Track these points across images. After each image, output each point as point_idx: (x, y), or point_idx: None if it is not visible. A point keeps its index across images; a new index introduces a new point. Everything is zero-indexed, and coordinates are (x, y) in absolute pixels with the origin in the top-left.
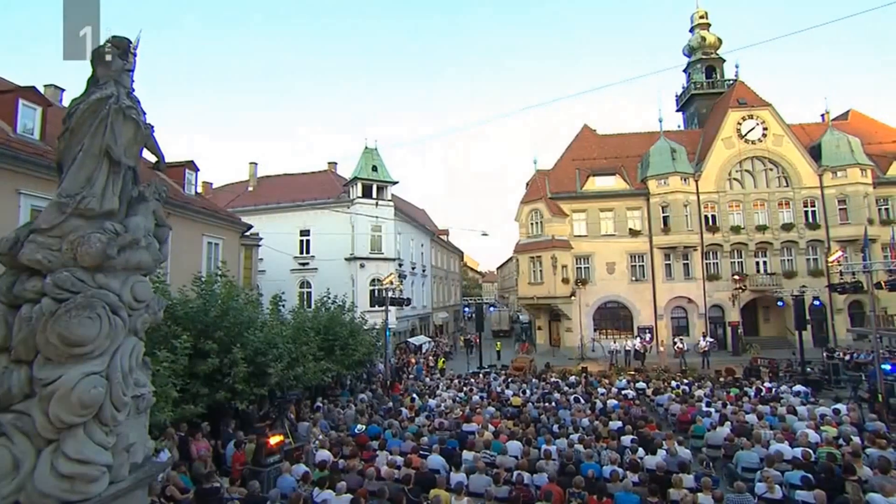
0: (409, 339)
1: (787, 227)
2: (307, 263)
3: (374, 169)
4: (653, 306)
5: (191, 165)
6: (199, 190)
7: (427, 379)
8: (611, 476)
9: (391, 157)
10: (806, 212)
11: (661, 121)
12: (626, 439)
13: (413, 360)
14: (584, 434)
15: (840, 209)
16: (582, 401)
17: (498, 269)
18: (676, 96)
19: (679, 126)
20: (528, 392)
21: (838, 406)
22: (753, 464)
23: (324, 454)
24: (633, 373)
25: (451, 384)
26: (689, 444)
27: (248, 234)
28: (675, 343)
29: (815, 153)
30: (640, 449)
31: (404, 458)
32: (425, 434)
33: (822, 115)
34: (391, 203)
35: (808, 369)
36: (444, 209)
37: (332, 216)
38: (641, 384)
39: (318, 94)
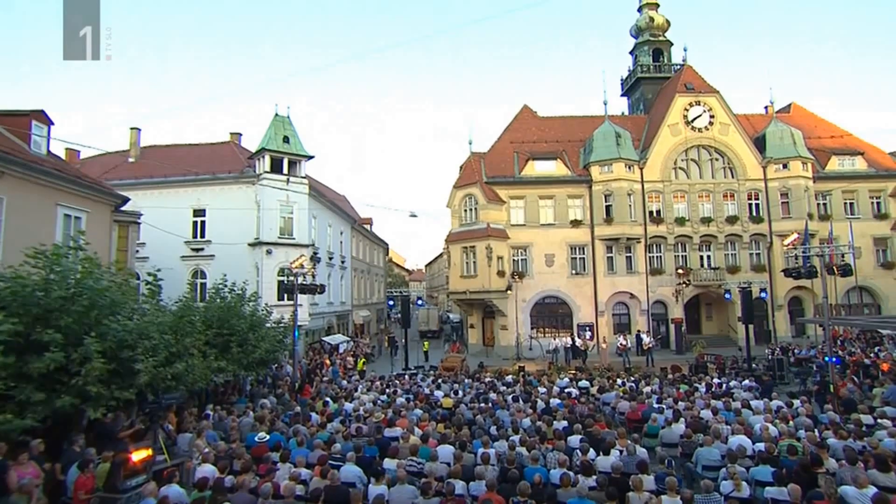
0: (324, 339)
1: (732, 220)
2: (202, 249)
3: (286, 140)
4: (593, 302)
5: (39, 116)
6: (60, 153)
7: (344, 382)
8: (561, 480)
9: (308, 136)
10: (750, 204)
11: (605, 103)
12: (574, 439)
13: (328, 362)
14: (527, 435)
15: (782, 202)
16: (521, 401)
17: (427, 266)
18: (622, 80)
19: (623, 113)
20: (460, 393)
21: (791, 399)
22: (715, 461)
23: (206, 470)
24: (573, 372)
25: (371, 386)
26: (643, 443)
27: (123, 209)
28: (618, 340)
29: (759, 144)
30: (592, 449)
31: (312, 471)
32: (339, 441)
33: (766, 107)
34: (305, 181)
35: (754, 366)
36: (369, 197)
37: (234, 194)
38: (585, 382)
39: (224, 61)
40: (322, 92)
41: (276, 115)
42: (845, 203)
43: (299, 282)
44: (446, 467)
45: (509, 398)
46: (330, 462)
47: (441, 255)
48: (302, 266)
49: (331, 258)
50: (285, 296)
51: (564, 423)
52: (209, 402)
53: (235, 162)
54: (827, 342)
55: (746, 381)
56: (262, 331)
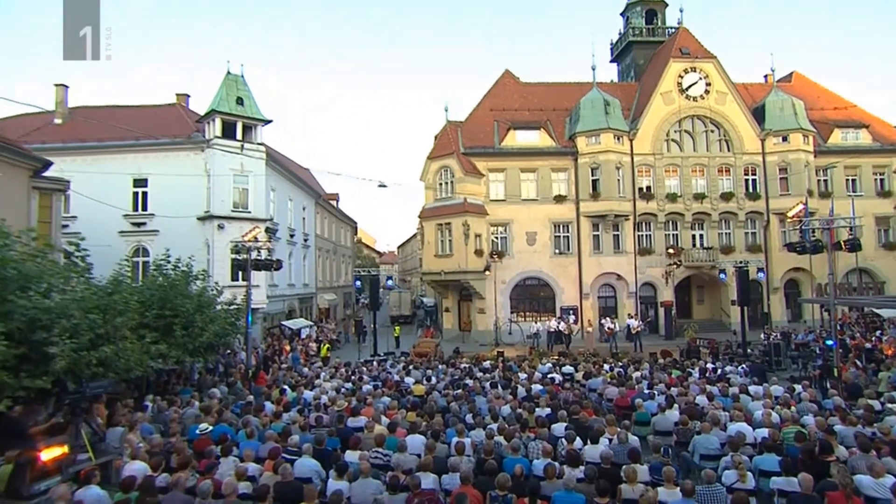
0: (283, 323)
1: (727, 197)
2: (143, 224)
3: (240, 102)
4: (578, 284)
5: None
6: None
7: (305, 369)
8: (545, 471)
9: (267, 104)
10: (747, 180)
11: (594, 69)
12: (559, 427)
13: (288, 348)
14: (506, 423)
15: (781, 178)
16: (500, 387)
17: (399, 247)
18: (611, 44)
19: (613, 80)
20: (433, 379)
21: (793, 385)
22: (714, 449)
23: (135, 468)
24: (556, 357)
25: (335, 373)
26: (634, 432)
27: (46, 174)
28: (602, 324)
29: (758, 115)
30: (578, 438)
31: (262, 465)
32: (295, 432)
33: (766, 76)
34: (262, 149)
35: (749, 350)
36: (336, 169)
37: (181, 161)
38: (569, 368)
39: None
40: (284, 58)
41: (229, 73)
42: (847, 179)
43: (253, 257)
44: (416, 459)
45: (487, 384)
46: (284, 455)
47: (415, 236)
48: (256, 239)
49: (292, 235)
50: (240, 275)
51: (548, 410)
52: (150, 392)
53: (182, 126)
54: (832, 323)
55: (742, 367)
56: (211, 312)
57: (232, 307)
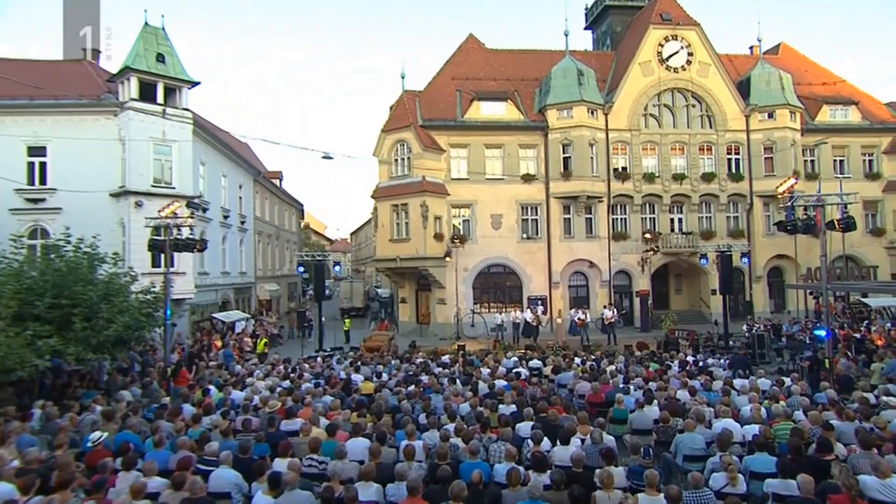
0: (215, 316)
1: (708, 178)
2: (42, 200)
3: (161, 59)
4: (547, 272)
5: None
6: None
7: (238, 367)
8: (508, 477)
9: (195, 66)
10: (729, 159)
11: (566, 34)
12: (525, 427)
13: (218, 343)
14: (465, 423)
15: (766, 158)
16: (459, 383)
17: (353, 234)
18: (586, 9)
19: (588, 49)
20: (384, 376)
21: (782, 377)
22: (699, 449)
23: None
24: (523, 350)
25: (272, 371)
26: (609, 431)
27: None
28: (574, 315)
29: (742, 89)
30: (546, 439)
31: (169, 479)
32: (216, 439)
33: (752, 47)
34: (188, 115)
35: (731, 343)
36: (274, 139)
37: (88, 127)
38: (536, 362)
39: None
40: (216, 14)
41: (146, 25)
42: (835, 160)
43: (173, 236)
44: (356, 466)
45: (445, 381)
46: (198, 466)
47: (369, 222)
48: (174, 215)
49: (226, 217)
50: (162, 259)
51: (512, 407)
52: (43, 396)
53: (90, 85)
54: (825, 310)
55: (725, 359)
56: (122, 302)
57: (149, 296)
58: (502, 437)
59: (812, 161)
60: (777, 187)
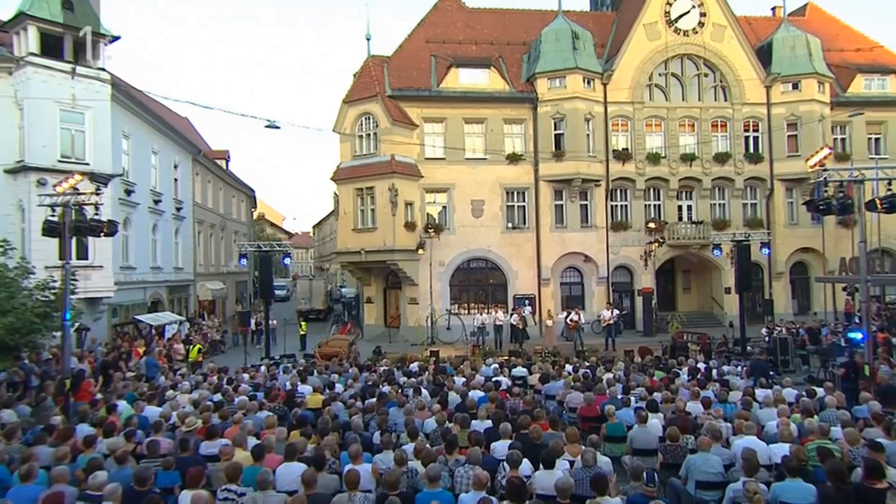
0: (139, 318)
1: (722, 159)
2: None
3: (68, 6)
4: (536, 266)
5: None
6: None
7: (162, 378)
8: None
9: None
10: (747, 138)
11: None
12: (501, 446)
13: (140, 351)
14: (429, 442)
15: (789, 136)
16: (427, 393)
17: (315, 227)
18: None
19: (584, 10)
20: (338, 387)
21: (813, 387)
22: (715, 474)
23: None
24: (506, 357)
25: (201, 382)
26: (604, 450)
27: None
28: (567, 316)
29: (763, 56)
30: (526, 461)
31: None
32: (109, 467)
33: (774, 8)
34: (106, 76)
35: (749, 348)
36: (210, 110)
37: None
38: (521, 370)
39: None
40: None
41: None
42: (870, 139)
43: (72, 218)
44: (285, 499)
45: (409, 391)
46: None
47: (333, 212)
48: (74, 190)
49: (157, 201)
50: (64, 246)
51: (488, 423)
52: None
53: None
54: (863, 306)
55: (742, 366)
56: (6, 300)
57: (49, 294)
58: (471, 459)
59: (843, 139)
60: (806, 160)
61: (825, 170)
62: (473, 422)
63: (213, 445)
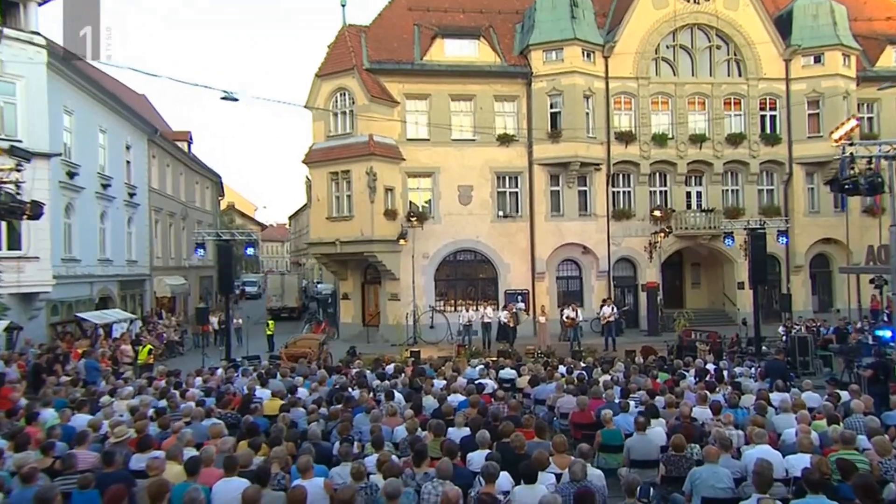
0: (82, 315)
1: (735, 140)
2: None
3: None
4: (529, 259)
5: None
6: None
7: (103, 382)
8: None
9: None
10: (763, 117)
11: None
12: (478, 458)
13: (79, 352)
14: (396, 452)
15: (810, 115)
16: (401, 398)
17: (291, 217)
18: None
19: None
20: (301, 391)
21: (836, 390)
22: (724, 489)
23: None
24: (494, 358)
25: (146, 387)
26: (597, 462)
27: None
28: (562, 313)
29: (782, 27)
30: (506, 475)
31: None
32: (14, 485)
33: None
34: (41, 41)
35: (765, 348)
36: (157, 77)
37: None
38: (509, 372)
39: None
40: None
41: None
42: None
43: None
44: None
45: (381, 395)
46: None
47: (304, 208)
48: None
49: (105, 186)
50: (1, 237)
51: (465, 431)
52: None
53: None
54: (895, 300)
55: (756, 367)
56: None
57: None
58: (440, 473)
59: (870, 119)
60: (830, 133)
61: (851, 143)
62: (450, 429)
63: (145, 459)
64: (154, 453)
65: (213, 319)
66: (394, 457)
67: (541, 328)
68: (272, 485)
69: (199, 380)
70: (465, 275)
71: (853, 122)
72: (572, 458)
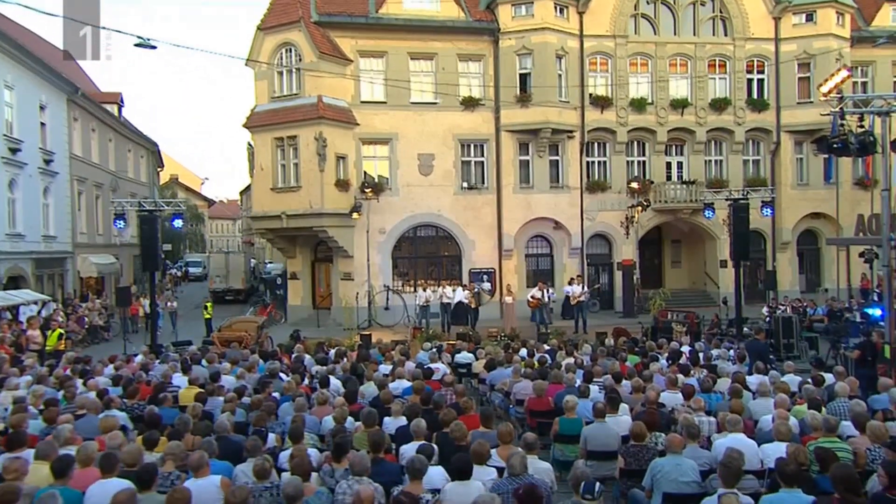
0: None
1: (720, 105)
2: None
3: None
4: (496, 235)
5: None
6: None
7: None
8: None
9: None
10: (750, 81)
11: None
12: (410, 450)
13: None
14: (321, 446)
15: (800, 78)
16: (339, 384)
17: (242, 193)
18: None
19: None
20: (228, 379)
21: (820, 372)
22: (689, 483)
23: None
24: (453, 341)
25: (45, 376)
26: (553, 454)
27: None
28: (531, 294)
29: None
30: (440, 470)
31: None
32: None
33: None
34: None
35: (746, 329)
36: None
37: None
38: (466, 356)
39: None
40: None
41: None
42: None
43: None
44: None
45: (315, 384)
46: None
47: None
48: None
49: (14, 151)
50: None
51: (402, 420)
52: None
53: None
54: (886, 273)
55: (735, 348)
56: None
57: None
58: (355, 469)
59: (864, 83)
60: (819, 86)
61: (841, 98)
62: (386, 419)
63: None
64: (19, 453)
65: (146, 302)
66: (311, 451)
67: (507, 309)
68: (163, 486)
69: (110, 368)
70: (427, 252)
71: (844, 73)
72: (518, 447)
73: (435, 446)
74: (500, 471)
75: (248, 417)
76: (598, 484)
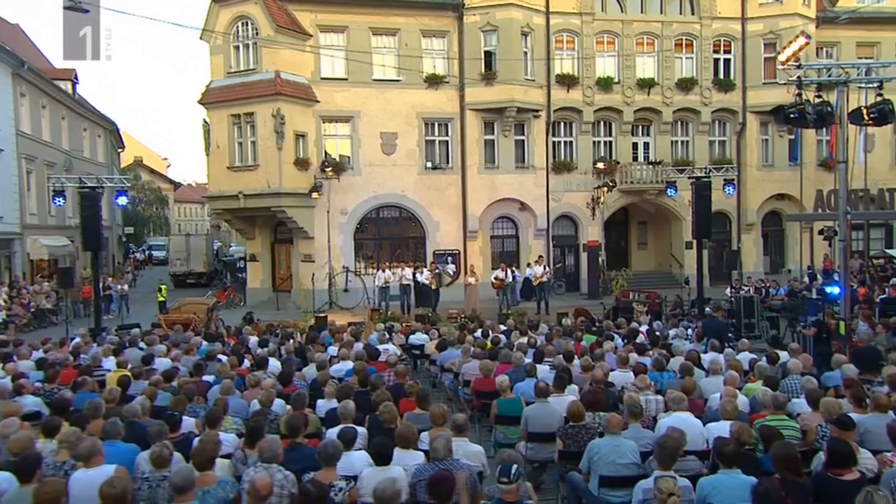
0: None
1: (686, 85)
2: None
3: None
4: (461, 216)
5: None
6: None
7: None
8: None
9: None
10: (717, 61)
11: None
12: (333, 434)
13: None
14: (237, 430)
15: (766, 59)
16: (277, 366)
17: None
18: None
19: None
20: (161, 361)
21: (775, 350)
22: (628, 465)
23: None
24: (410, 323)
25: None
26: (494, 436)
27: None
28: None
29: None
30: (362, 454)
31: None
32: None
33: None
34: None
35: (708, 309)
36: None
37: None
38: (420, 337)
39: None
40: None
41: None
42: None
43: None
44: None
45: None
46: None
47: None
48: None
49: None
50: None
51: (333, 403)
52: None
53: None
54: (843, 248)
55: (693, 328)
56: None
57: None
58: (263, 456)
59: (829, 68)
60: (777, 55)
61: (799, 66)
62: (319, 402)
63: None
64: None
65: (100, 283)
66: (228, 436)
67: (470, 290)
68: (56, 476)
69: (38, 351)
70: (390, 234)
71: (802, 40)
72: (447, 430)
73: (360, 429)
74: (426, 455)
75: (176, 399)
76: (514, 466)
